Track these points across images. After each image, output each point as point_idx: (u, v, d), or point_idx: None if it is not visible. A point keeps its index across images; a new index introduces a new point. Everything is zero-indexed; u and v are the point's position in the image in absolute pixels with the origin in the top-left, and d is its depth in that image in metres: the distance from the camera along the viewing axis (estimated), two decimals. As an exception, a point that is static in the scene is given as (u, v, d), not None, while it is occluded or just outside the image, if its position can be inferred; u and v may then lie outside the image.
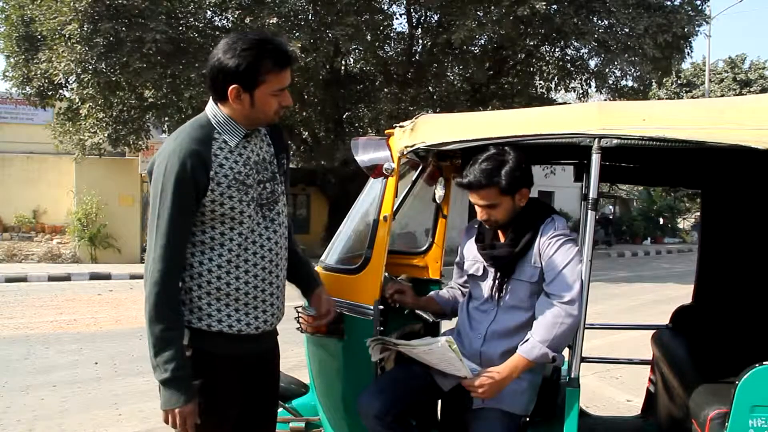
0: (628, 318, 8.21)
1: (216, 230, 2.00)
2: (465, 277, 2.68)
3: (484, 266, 2.51)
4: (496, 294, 2.46)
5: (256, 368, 2.15)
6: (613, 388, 5.50)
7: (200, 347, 2.00)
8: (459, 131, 2.48)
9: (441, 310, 2.78)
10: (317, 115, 15.42)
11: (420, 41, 15.76)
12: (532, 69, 16.22)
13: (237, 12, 12.73)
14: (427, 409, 2.82)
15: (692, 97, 28.79)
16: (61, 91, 13.99)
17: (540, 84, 16.53)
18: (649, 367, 3.47)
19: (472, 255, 2.59)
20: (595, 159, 2.25)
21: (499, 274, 2.45)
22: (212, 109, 2.03)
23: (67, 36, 11.90)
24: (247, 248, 2.03)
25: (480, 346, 2.44)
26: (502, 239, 2.48)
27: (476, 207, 2.43)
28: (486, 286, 2.50)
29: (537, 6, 12.09)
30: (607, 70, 15.00)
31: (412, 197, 3.17)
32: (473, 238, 2.59)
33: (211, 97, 2.06)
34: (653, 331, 3.46)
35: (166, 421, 1.98)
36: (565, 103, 17.24)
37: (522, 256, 2.41)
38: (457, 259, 2.72)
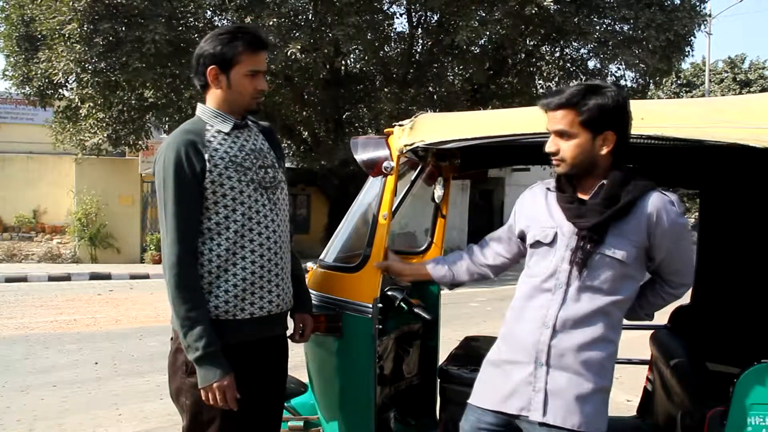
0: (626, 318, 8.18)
1: (220, 215, 2.07)
2: (510, 249, 2.22)
3: (555, 232, 1.99)
4: (575, 268, 1.92)
5: (263, 358, 2.17)
6: (613, 387, 5.47)
7: None
8: (458, 130, 2.48)
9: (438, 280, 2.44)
10: (317, 115, 15.41)
11: (420, 41, 15.74)
12: (532, 69, 16.19)
13: (237, 12, 12.72)
14: (427, 409, 2.81)
15: (692, 97, 28.79)
16: (60, 90, 13.98)
17: (540, 84, 16.52)
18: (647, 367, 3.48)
19: (541, 218, 2.04)
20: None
21: (584, 242, 1.92)
22: (201, 108, 2.18)
23: (66, 36, 11.89)
24: (251, 228, 2.10)
25: (549, 339, 1.93)
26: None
27: (549, 138, 1.98)
28: (556, 257, 1.97)
29: (545, 3, 12.05)
30: (605, 70, 14.98)
31: (412, 197, 3.17)
32: (545, 196, 2.06)
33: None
34: (652, 331, 3.46)
35: (207, 400, 2.00)
36: (565, 103, 17.17)
37: (614, 225, 1.92)
38: (506, 226, 2.23)
